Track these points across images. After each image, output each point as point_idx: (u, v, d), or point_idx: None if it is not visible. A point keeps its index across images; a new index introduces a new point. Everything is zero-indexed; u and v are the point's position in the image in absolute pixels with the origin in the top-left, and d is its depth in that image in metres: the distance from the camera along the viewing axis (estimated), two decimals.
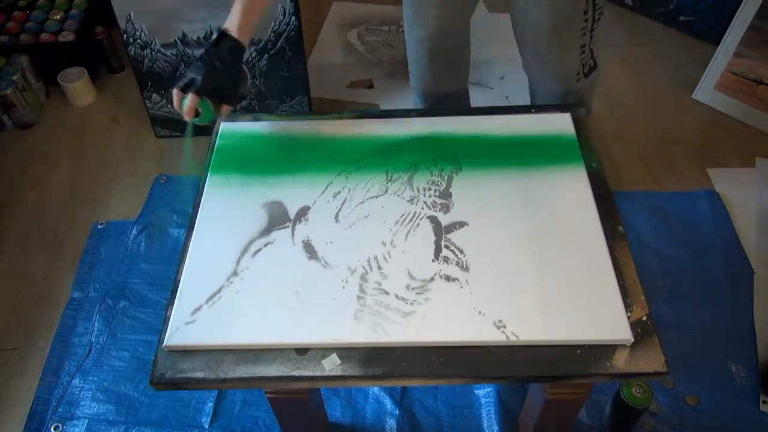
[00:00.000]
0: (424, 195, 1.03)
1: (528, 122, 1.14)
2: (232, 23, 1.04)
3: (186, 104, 1.02)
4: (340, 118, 1.17)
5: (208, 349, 0.87)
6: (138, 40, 1.79)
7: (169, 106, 1.95)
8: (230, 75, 1.04)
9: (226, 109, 1.06)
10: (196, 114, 1.03)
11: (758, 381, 1.39)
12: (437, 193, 1.03)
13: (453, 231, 0.98)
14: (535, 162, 1.07)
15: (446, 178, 1.05)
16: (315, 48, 2.34)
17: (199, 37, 1.79)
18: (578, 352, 0.85)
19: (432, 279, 0.92)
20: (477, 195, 1.02)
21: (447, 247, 0.95)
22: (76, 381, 1.46)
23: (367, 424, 1.38)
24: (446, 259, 0.94)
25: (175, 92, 1.04)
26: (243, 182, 1.07)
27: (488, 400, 1.38)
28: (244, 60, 1.06)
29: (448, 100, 1.55)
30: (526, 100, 2.06)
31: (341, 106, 2.09)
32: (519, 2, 1.34)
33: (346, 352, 0.86)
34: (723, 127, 1.96)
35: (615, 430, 1.32)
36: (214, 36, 1.04)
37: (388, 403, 1.39)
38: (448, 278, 0.92)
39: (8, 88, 1.99)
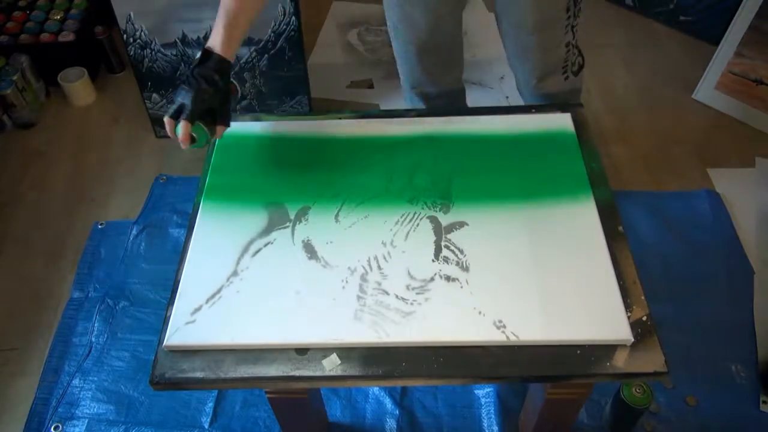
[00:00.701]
0: (424, 195, 1.03)
1: (528, 122, 1.14)
2: (215, 41, 1.01)
3: (179, 132, 0.98)
4: (340, 118, 1.17)
5: (208, 349, 0.87)
6: (138, 40, 1.79)
7: (169, 105, 1.95)
8: (219, 95, 1.00)
9: (221, 129, 1.03)
10: (192, 140, 1.00)
11: (758, 381, 1.39)
12: (437, 193, 1.03)
13: (453, 231, 0.98)
14: (535, 162, 1.07)
15: (446, 178, 1.05)
16: (315, 48, 2.34)
17: (199, 37, 1.79)
18: (578, 352, 0.85)
19: (432, 279, 0.92)
20: (477, 195, 1.02)
21: (447, 247, 0.95)
22: (76, 381, 1.46)
23: (367, 424, 1.38)
24: (446, 259, 0.94)
25: (167, 120, 0.99)
26: (243, 182, 1.07)
27: (488, 400, 1.38)
28: (231, 75, 1.03)
29: (442, 99, 1.55)
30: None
31: (341, 106, 2.09)
32: (503, 28, 1.34)
33: (346, 352, 0.86)
34: (723, 127, 1.96)
35: (615, 430, 1.33)
36: (197, 56, 1.01)
37: (388, 403, 1.39)
38: (448, 278, 0.92)
39: (8, 88, 1.99)
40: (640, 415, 1.26)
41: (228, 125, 1.05)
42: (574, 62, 1.39)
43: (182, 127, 0.98)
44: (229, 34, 1.01)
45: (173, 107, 1.00)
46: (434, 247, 0.96)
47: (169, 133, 1.00)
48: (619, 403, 1.24)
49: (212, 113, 1.01)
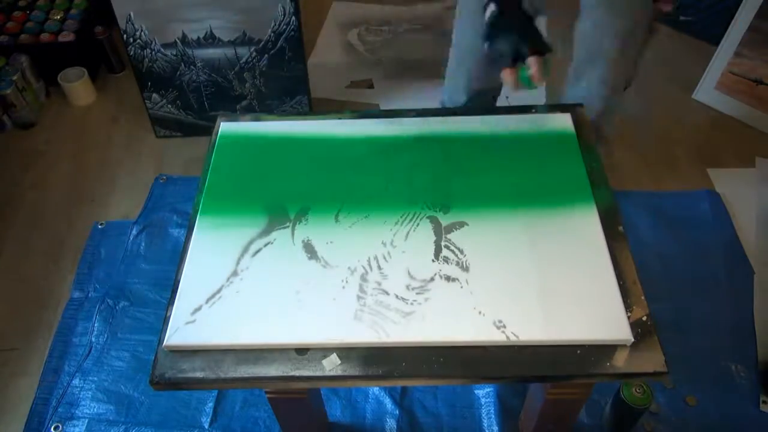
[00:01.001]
0: (424, 195, 1.03)
1: (528, 122, 1.14)
2: None
3: (533, 71, 0.97)
4: (340, 118, 1.17)
5: (208, 349, 0.87)
6: (138, 40, 1.79)
7: (169, 106, 1.95)
8: (535, 26, 1.02)
9: (552, 57, 1.01)
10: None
11: (758, 381, 1.39)
12: (437, 193, 1.03)
13: (453, 231, 0.98)
14: (536, 162, 1.07)
15: (446, 178, 1.05)
16: (315, 48, 2.34)
17: (199, 37, 1.79)
18: (578, 352, 0.85)
19: (432, 279, 0.92)
20: (477, 195, 1.02)
21: (447, 247, 0.96)
22: (76, 381, 1.46)
23: (367, 424, 1.38)
24: (446, 259, 0.94)
25: (508, 71, 0.99)
26: (243, 182, 1.07)
27: (488, 400, 1.38)
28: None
29: (483, 97, 1.54)
30: (525, 100, 2.05)
31: (341, 106, 2.09)
32: (585, 27, 1.32)
33: (346, 352, 0.86)
34: (723, 127, 1.96)
35: (615, 430, 1.33)
36: (491, 9, 1.02)
37: (388, 403, 1.39)
38: (448, 278, 0.92)
39: (8, 88, 1.99)
40: (640, 415, 1.26)
41: (553, 50, 1.02)
42: (631, 78, 1.38)
43: (536, 63, 0.97)
44: None
45: (507, 56, 1.00)
46: (434, 247, 0.96)
47: (512, 85, 1.00)
48: (619, 403, 1.24)
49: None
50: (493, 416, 1.36)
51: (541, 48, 1.00)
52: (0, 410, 1.44)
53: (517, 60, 1.01)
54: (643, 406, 1.22)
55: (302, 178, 1.07)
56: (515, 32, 1.01)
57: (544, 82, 1.00)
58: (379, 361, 0.85)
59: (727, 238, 1.65)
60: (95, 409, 1.41)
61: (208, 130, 1.15)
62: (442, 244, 0.96)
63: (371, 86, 2.18)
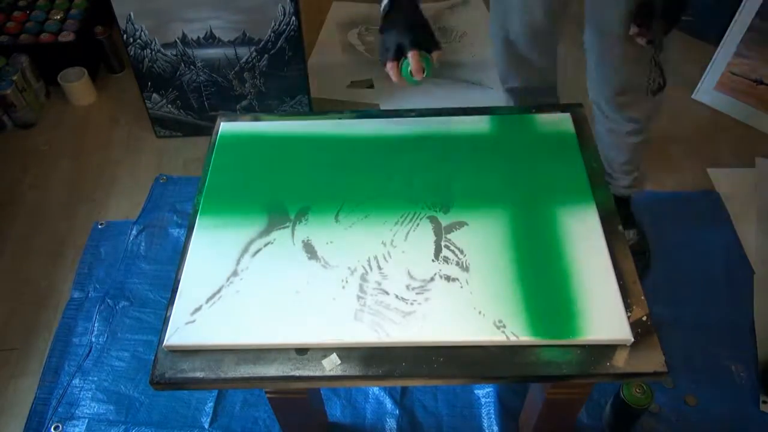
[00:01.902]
0: (424, 195, 1.03)
1: (528, 122, 1.14)
2: None
3: (411, 64, 1.00)
4: (340, 118, 1.17)
5: (208, 349, 0.87)
6: (138, 40, 1.79)
7: (169, 106, 1.95)
8: (424, 22, 1.05)
9: (436, 55, 1.05)
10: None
11: (758, 381, 1.39)
12: (437, 193, 1.03)
13: (453, 231, 0.98)
14: (536, 162, 1.07)
15: (446, 178, 1.05)
16: (315, 48, 2.34)
17: (199, 37, 1.79)
18: (578, 352, 0.85)
19: (432, 279, 0.92)
20: (477, 195, 1.02)
21: (447, 247, 0.95)
22: (76, 381, 1.46)
23: (367, 424, 1.38)
24: (446, 259, 0.94)
25: (391, 64, 1.03)
26: (243, 182, 1.07)
27: (488, 400, 1.38)
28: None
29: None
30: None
31: (341, 106, 2.09)
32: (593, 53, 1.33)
33: (346, 352, 0.86)
34: (723, 127, 1.96)
35: (615, 430, 1.33)
36: (384, 3, 1.04)
37: (388, 403, 1.39)
38: (448, 278, 0.92)
39: (8, 88, 1.99)
40: (640, 415, 1.26)
41: (441, 48, 1.06)
42: (654, 80, 1.36)
43: (414, 58, 1.00)
44: None
45: (391, 50, 1.03)
46: (434, 247, 0.96)
47: (394, 77, 1.04)
48: (619, 403, 1.24)
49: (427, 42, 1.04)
50: (493, 416, 1.36)
51: (424, 44, 1.02)
52: (0, 410, 1.44)
53: (401, 54, 1.03)
54: (643, 406, 1.22)
55: (302, 178, 1.07)
56: (401, 27, 1.03)
57: (422, 77, 1.02)
58: (379, 361, 0.85)
59: (727, 238, 1.65)
60: (95, 409, 1.41)
61: (208, 130, 1.15)
62: (442, 244, 0.96)
63: (371, 86, 2.18)
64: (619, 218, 0.99)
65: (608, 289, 0.89)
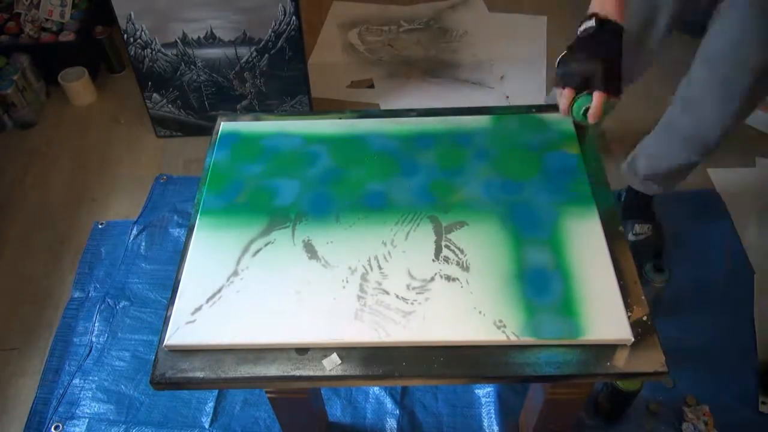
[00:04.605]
0: (424, 194, 1.03)
1: (529, 122, 1.14)
2: (607, 6, 0.94)
3: (593, 108, 0.92)
4: (340, 118, 1.17)
5: (208, 348, 0.87)
6: (138, 40, 1.79)
7: (170, 105, 1.95)
8: (620, 60, 0.94)
9: (615, 99, 0.95)
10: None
11: (758, 381, 1.39)
12: (437, 193, 1.03)
13: (453, 231, 0.98)
14: (536, 162, 1.07)
15: (446, 177, 1.05)
16: (315, 48, 2.34)
17: (199, 37, 1.79)
18: (578, 352, 0.85)
19: (432, 279, 0.92)
20: (477, 194, 1.02)
21: (447, 247, 0.96)
22: (76, 381, 1.46)
23: (367, 424, 1.38)
24: (446, 259, 0.94)
25: (568, 92, 0.93)
26: (243, 182, 1.07)
27: (488, 400, 1.38)
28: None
29: None
30: (526, 100, 2.06)
31: (341, 106, 2.09)
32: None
33: (346, 351, 0.86)
34: None
35: (609, 416, 1.33)
36: (589, 24, 0.94)
37: (388, 403, 1.39)
38: (448, 278, 0.92)
39: (8, 88, 1.99)
40: (632, 399, 1.27)
41: (621, 97, 0.96)
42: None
43: (599, 100, 0.92)
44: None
45: (577, 78, 0.93)
46: (434, 246, 0.96)
47: (563, 105, 0.95)
48: (611, 389, 1.26)
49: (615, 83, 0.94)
50: (493, 416, 1.36)
51: (612, 88, 0.94)
52: (0, 410, 1.44)
53: (584, 87, 0.96)
54: (634, 390, 1.24)
55: (302, 178, 1.07)
56: (599, 58, 0.94)
57: (595, 121, 0.97)
58: (379, 360, 0.85)
59: (727, 238, 1.65)
60: (95, 409, 1.41)
61: (208, 130, 1.15)
62: (443, 243, 0.96)
63: (371, 86, 2.18)
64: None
65: (608, 289, 0.89)
